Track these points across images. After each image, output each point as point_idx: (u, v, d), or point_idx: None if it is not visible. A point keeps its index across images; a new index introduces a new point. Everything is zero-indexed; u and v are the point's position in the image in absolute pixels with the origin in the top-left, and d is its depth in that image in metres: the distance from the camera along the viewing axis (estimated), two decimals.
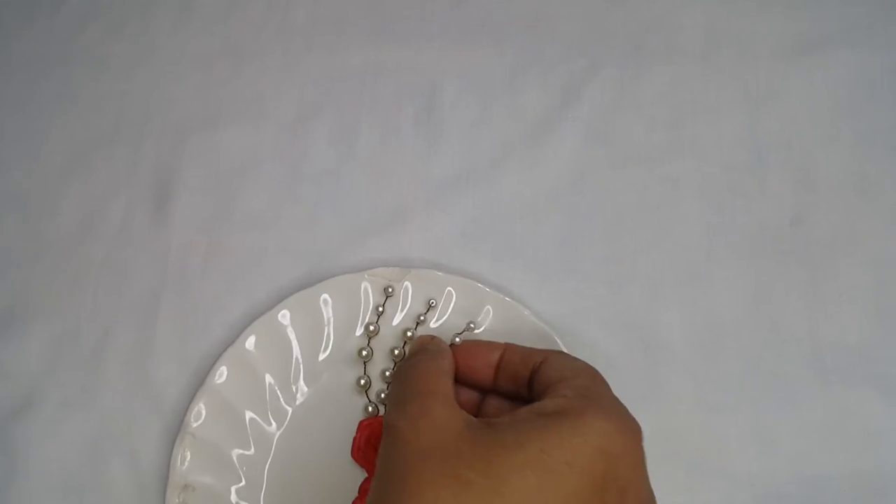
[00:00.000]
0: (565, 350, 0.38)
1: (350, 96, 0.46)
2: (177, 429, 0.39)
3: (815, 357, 0.40)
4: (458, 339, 0.39)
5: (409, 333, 0.40)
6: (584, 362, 0.33)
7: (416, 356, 0.35)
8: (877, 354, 0.39)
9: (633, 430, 0.29)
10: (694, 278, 0.41)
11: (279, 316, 0.39)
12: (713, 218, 0.42)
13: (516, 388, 0.34)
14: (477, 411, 0.36)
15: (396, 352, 0.39)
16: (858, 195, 0.42)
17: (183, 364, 0.41)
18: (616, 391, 0.39)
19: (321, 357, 0.40)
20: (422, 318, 0.40)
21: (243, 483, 0.38)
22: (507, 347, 0.35)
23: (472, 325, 0.39)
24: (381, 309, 0.40)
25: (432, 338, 0.38)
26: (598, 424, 0.28)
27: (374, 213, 0.44)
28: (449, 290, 0.40)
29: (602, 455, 0.27)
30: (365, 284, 0.40)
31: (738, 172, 0.43)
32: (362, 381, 0.39)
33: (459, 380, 0.35)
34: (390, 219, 0.44)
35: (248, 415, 0.39)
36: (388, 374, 0.39)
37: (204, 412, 0.38)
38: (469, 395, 0.36)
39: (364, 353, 0.39)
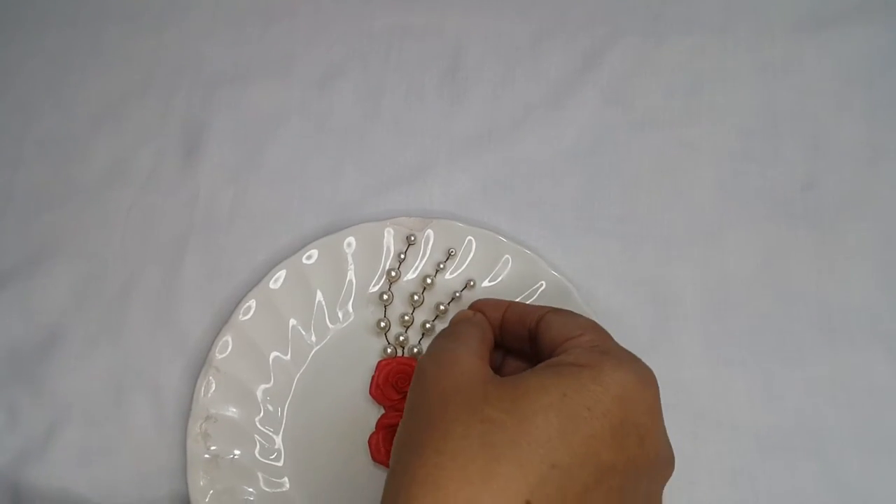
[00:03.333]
0: (581, 302, 0.40)
1: (376, 57, 0.48)
2: (200, 367, 0.40)
3: (823, 316, 0.41)
4: (457, 294, 0.40)
5: (428, 280, 0.41)
6: (585, 318, 0.33)
7: (458, 323, 0.36)
8: (882, 315, 0.41)
9: (649, 380, 0.30)
10: (707, 238, 0.43)
11: (304, 258, 0.41)
12: (727, 181, 0.43)
13: (520, 346, 0.35)
14: (496, 371, 0.37)
15: (416, 297, 0.41)
16: (868, 163, 0.43)
17: (207, 305, 0.43)
18: (627, 342, 0.40)
19: (343, 299, 0.41)
20: (441, 266, 0.41)
21: (263, 416, 0.39)
22: (510, 306, 0.36)
23: (471, 283, 0.41)
24: (402, 256, 0.41)
25: (474, 313, 0.37)
26: (616, 375, 0.29)
27: (397, 169, 0.45)
28: (469, 240, 0.41)
29: (620, 402, 0.28)
30: (388, 230, 0.41)
31: (752, 138, 0.44)
32: (382, 324, 0.40)
33: None
34: (412, 174, 0.45)
35: (271, 352, 0.40)
36: (406, 317, 0.41)
37: (230, 345, 0.39)
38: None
39: (385, 297, 0.41)
